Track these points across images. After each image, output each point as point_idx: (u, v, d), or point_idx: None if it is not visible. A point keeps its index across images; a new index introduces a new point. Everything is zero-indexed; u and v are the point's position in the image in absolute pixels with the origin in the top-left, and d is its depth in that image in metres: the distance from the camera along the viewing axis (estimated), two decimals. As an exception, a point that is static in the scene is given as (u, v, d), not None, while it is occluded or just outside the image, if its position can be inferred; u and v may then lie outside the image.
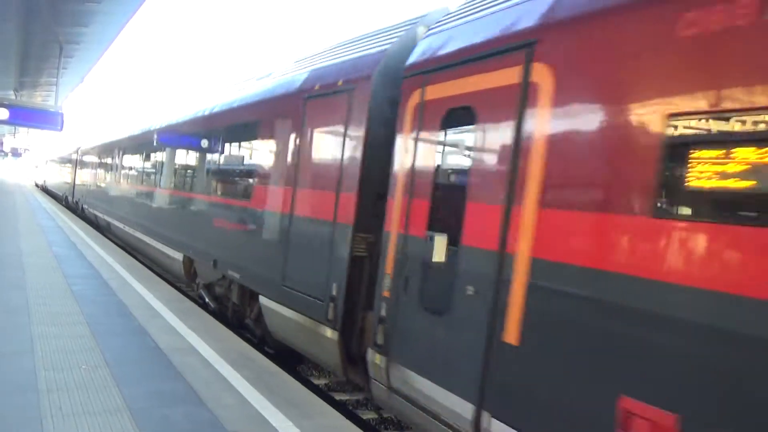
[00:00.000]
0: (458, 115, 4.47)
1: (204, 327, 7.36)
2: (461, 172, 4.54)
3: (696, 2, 2.89)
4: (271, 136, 7.47)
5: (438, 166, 4.70)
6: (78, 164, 28.04)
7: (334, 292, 5.67)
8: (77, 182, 27.69)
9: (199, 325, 7.42)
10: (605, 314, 3.12)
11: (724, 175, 2.74)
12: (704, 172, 2.81)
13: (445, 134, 4.66)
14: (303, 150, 6.61)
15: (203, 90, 12.96)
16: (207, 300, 9.54)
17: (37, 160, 72.13)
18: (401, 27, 6.03)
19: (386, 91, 5.55)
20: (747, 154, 2.67)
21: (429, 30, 5.27)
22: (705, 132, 2.90)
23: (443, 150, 4.73)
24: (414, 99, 4.92)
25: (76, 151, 28.67)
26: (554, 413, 3.36)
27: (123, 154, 17.08)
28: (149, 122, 14.75)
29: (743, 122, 2.71)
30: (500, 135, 3.99)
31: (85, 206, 23.82)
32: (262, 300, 7.17)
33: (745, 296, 2.55)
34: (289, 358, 7.54)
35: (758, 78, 2.60)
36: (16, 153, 65.25)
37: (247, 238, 7.86)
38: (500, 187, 3.88)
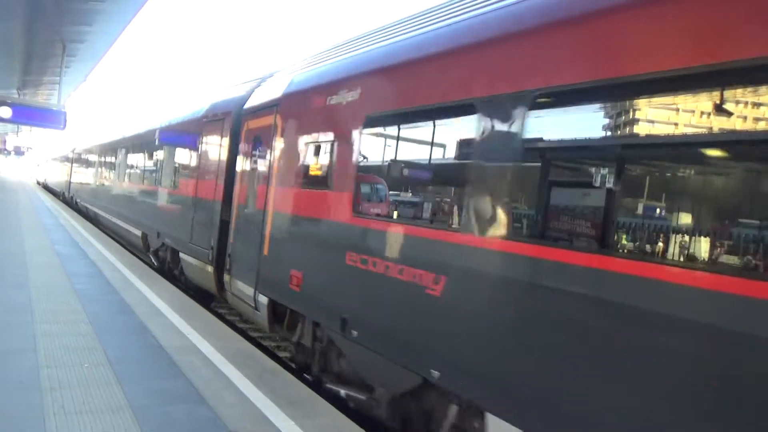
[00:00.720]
0: (257, 138, 7.97)
1: (205, 326, 7.38)
2: (258, 168, 7.82)
3: (311, 100, 6.63)
4: (186, 145, 11.13)
5: (252, 165, 8.05)
6: (73, 164, 31.37)
7: (212, 244, 8.96)
8: (72, 180, 30.89)
9: (200, 323, 7.44)
10: (296, 230, 6.66)
11: (307, 171, 6.50)
12: (307, 170, 6.49)
13: (254, 148, 8.07)
14: (201, 154, 10.12)
15: (152, 109, 18.57)
16: (154, 261, 13.06)
17: (38, 159, 74.14)
18: (251, 81, 9.65)
19: (237, 121, 8.86)
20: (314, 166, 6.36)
21: (252, 91, 8.83)
22: (315, 148, 6.35)
23: (253, 156, 8.05)
24: (244, 127, 8.47)
25: (72, 152, 32.17)
26: (281, 284, 6.58)
27: (104, 157, 21.19)
28: (118, 133, 19.40)
29: (318, 145, 6.30)
30: (267, 149, 7.53)
31: (78, 200, 27.30)
32: (181, 255, 10.62)
33: (325, 219, 5.93)
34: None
35: (327, 128, 6.16)
36: (19, 151, 65.51)
37: (174, 214, 11.29)
38: (265, 177, 7.46)
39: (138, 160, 15.64)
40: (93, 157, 24.07)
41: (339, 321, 5.38)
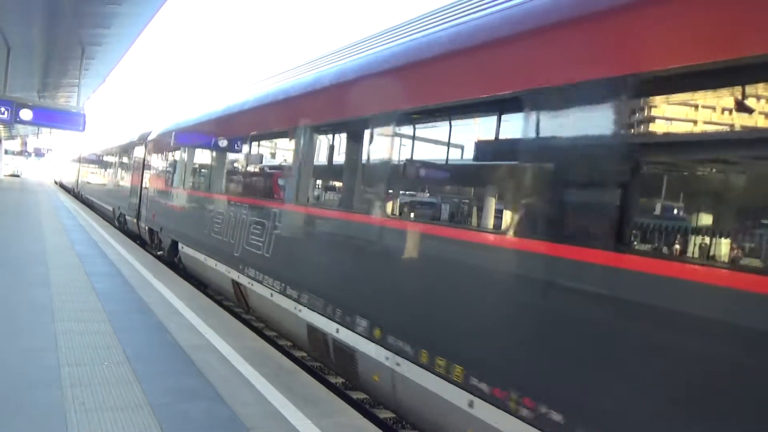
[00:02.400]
0: (147, 154, 16.98)
1: (222, 324, 7.43)
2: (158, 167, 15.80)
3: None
4: (134, 155, 18.86)
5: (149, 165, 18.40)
6: (80, 166, 42.65)
7: (137, 209, 17.00)
8: (80, 179, 41.91)
9: (217, 322, 7.50)
10: (153, 195, 15.50)
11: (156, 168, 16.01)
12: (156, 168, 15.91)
13: (150, 156, 16.44)
14: (144, 161, 17.23)
15: (117, 130, 29.00)
16: (116, 224, 21.15)
17: (56, 161, 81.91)
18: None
19: (143, 145, 17.45)
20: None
21: (147, 132, 17.81)
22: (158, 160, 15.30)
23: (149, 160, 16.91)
24: (148, 146, 16.66)
25: (78, 158, 44.30)
26: (149, 218, 15.43)
27: (99, 160, 31.03)
28: (98, 147, 32.44)
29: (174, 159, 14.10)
30: (136, 158, 18.28)
31: (82, 194, 38.53)
32: (127, 218, 18.84)
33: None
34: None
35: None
36: (39, 153, 66.67)
37: (126, 196, 19.29)
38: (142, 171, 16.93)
39: (105, 165, 28.03)
40: (91, 163, 35.65)
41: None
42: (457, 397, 4.16)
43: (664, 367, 2.94)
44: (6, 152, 68.03)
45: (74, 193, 44.80)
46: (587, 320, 3.32)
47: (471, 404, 4.03)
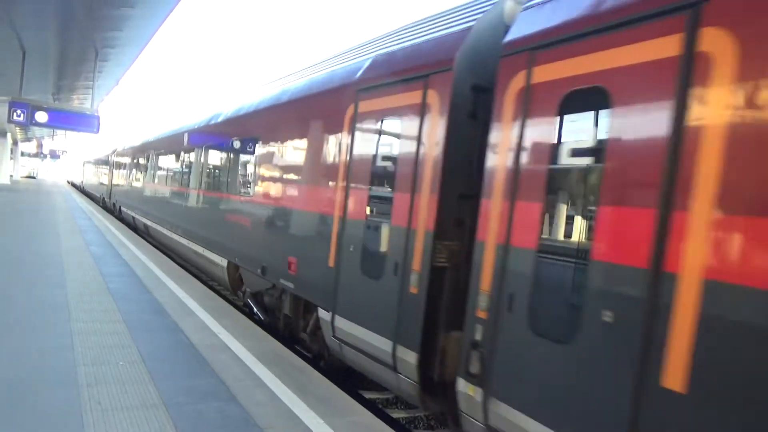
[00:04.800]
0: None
1: (235, 325, 7.48)
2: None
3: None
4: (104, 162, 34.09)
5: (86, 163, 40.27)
6: (84, 168, 56.29)
7: (108, 198, 29.97)
8: (84, 179, 54.04)
9: (231, 323, 7.55)
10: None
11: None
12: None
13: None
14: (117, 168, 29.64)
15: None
16: (103, 205, 31.83)
17: (69, 163, 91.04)
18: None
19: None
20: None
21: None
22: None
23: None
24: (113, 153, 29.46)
25: (83, 163, 59.17)
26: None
27: (93, 165, 43.78)
28: (99, 153, 40.52)
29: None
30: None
31: (84, 187, 51.42)
32: (104, 201, 32.32)
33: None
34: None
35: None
36: (54, 155, 67.55)
37: (106, 187, 31.45)
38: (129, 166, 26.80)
39: (101, 168, 37.48)
40: (90, 166, 46.69)
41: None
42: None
43: None
44: (22, 154, 68.96)
45: (79, 188, 54.97)
46: None
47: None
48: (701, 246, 2.87)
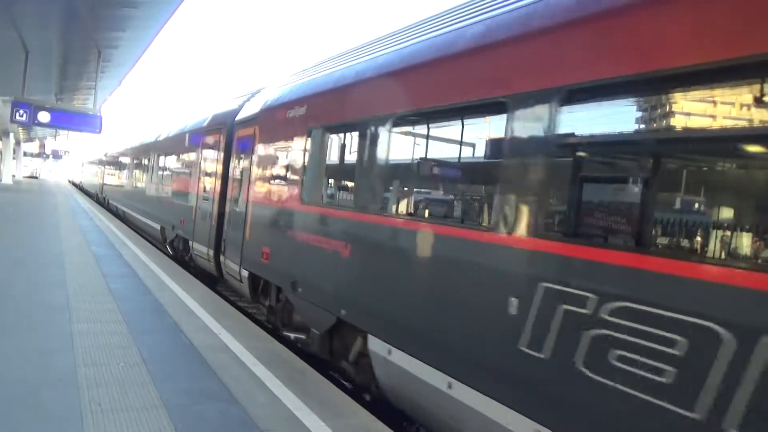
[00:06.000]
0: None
1: (236, 326, 7.46)
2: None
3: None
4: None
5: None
6: (83, 168, 62.81)
7: (100, 193, 36.80)
8: (82, 178, 61.17)
9: (232, 324, 7.53)
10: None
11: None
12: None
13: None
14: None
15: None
16: (96, 199, 37.87)
17: (70, 163, 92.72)
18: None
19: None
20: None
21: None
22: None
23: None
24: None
25: (82, 163, 65.30)
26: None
27: (89, 166, 52.28)
28: (96, 155, 46.02)
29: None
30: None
31: (83, 185, 56.99)
32: (97, 196, 38.45)
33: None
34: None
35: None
36: (57, 155, 67.65)
37: (99, 184, 38.67)
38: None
39: (95, 168, 43.95)
40: (89, 166, 52.61)
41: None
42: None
43: None
44: (25, 154, 69.11)
45: (77, 185, 63.65)
46: None
47: None
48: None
